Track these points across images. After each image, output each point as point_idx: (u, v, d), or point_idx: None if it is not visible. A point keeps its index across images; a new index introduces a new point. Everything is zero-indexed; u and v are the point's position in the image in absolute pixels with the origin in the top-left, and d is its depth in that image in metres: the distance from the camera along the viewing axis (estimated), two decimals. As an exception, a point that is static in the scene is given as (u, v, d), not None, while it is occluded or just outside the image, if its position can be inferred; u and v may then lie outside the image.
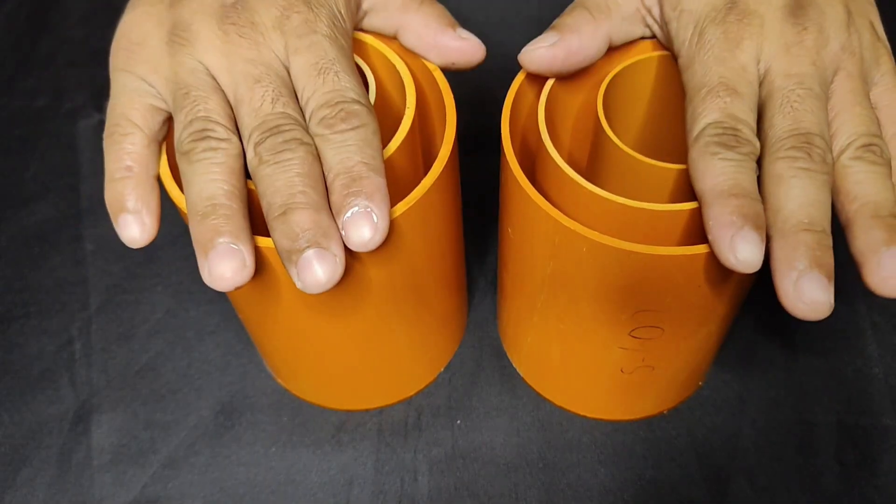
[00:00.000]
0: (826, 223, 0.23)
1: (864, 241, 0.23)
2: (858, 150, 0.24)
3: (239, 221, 0.24)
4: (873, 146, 0.24)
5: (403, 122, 0.27)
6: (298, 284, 0.23)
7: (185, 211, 0.25)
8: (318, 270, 0.23)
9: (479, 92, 0.47)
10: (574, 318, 0.29)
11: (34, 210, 0.43)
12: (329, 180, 0.24)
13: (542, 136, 0.27)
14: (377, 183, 0.23)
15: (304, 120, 0.25)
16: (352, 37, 0.28)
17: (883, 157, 0.24)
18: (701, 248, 0.24)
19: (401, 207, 0.25)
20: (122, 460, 0.35)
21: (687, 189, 0.26)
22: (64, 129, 0.47)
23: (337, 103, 0.24)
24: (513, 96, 0.28)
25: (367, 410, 0.36)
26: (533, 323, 0.32)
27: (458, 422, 0.35)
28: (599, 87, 0.28)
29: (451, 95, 0.28)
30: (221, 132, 0.25)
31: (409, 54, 0.29)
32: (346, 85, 0.25)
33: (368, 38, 0.29)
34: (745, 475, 0.33)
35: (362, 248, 0.23)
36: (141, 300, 0.40)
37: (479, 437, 0.35)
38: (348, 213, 0.23)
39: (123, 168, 0.26)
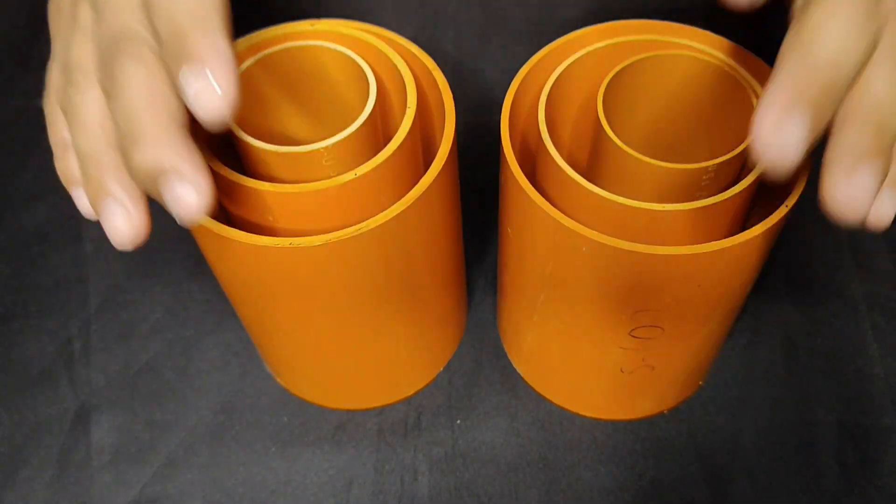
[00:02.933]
0: None
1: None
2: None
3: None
4: None
5: (403, 122, 0.27)
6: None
7: None
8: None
9: (479, 92, 0.47)
10: (574, 318, 0.29)
11: (34, 210, 0.43)
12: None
13: (542, 136, 0.27)
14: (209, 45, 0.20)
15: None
16: None
17: None
18: (701, 248, 0.24)
19: (400, 207, 0.25)
20: (122, 460, 0.35)
21: (687, 189, 0.26)
22: (64, 129, 0.47)
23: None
24: (513, 96, 0.28)
25: (367, 410, 0.36)
26: (533, 323, 0.32)
27: (458, 421, 0.35)
28: (599, 87, 0.28)
29: (451, 95, 0.28)
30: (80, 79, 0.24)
31: (409, 54, 0.29)
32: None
33: (369, 38, 0.29)
34: (745, 475, 0.33)
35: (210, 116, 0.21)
36: (141, 300, 0.40)
37: (479, 436, 0.35)
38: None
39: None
